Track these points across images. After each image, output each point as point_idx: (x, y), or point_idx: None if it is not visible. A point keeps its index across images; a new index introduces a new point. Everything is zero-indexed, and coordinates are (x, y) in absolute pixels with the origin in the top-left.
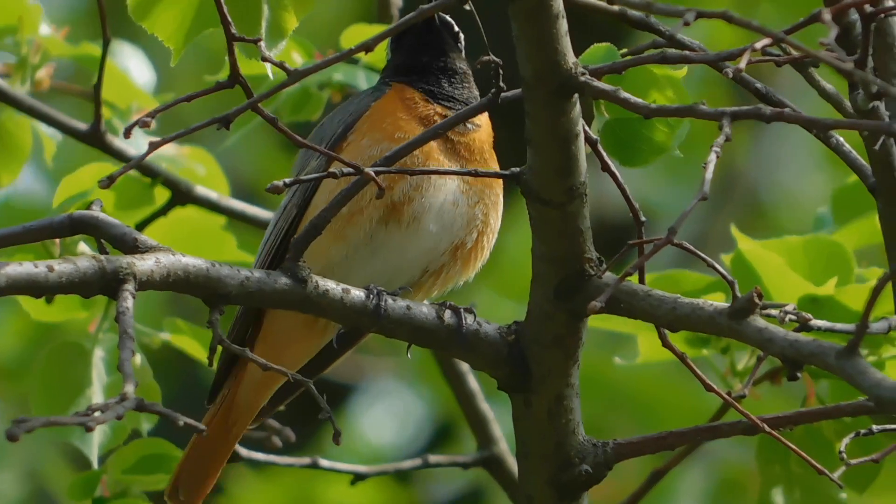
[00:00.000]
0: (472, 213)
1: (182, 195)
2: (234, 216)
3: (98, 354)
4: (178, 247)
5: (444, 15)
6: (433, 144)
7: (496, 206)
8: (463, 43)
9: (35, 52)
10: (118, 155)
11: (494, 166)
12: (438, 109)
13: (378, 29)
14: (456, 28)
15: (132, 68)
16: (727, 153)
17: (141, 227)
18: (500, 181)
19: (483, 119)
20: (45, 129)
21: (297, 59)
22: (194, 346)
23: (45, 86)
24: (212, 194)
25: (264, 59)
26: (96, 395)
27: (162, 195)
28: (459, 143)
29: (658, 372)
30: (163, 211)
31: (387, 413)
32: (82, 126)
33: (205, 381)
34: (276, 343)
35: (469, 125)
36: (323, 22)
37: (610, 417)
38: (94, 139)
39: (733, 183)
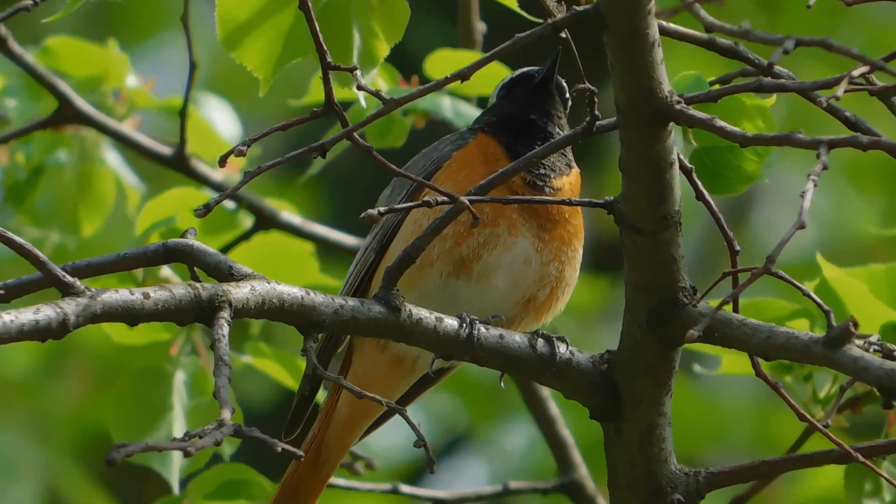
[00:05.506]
0: (545, 271)
1: (266, 220)
2: (316, 241)
3: (179, 378)
4: (261, 270)
5: (560, 78)
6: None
7: (573, 262)
8: (569, 106)
9: (121, 103)
10: (203, 180)
11: (579, 220)
12: (522, 173)
13: (464, 55)
14: (567, 94)
15: (217, 120)
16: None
17: (224, 251)
18: (580, 236)
19: (566, 181)
20: (129, 180)
21: (382, 85)
22: (277, 369)
23: None
24: (295, 219)
25: (359, 88)
26: (178, 420)
27: (245, 220)
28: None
29: (729, 399)
30: (246, 235)
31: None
32: (167, 150)
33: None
34: (362, 383)
35: (552, 188)
36: (401, 46)
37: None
38: (179, 164)
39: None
